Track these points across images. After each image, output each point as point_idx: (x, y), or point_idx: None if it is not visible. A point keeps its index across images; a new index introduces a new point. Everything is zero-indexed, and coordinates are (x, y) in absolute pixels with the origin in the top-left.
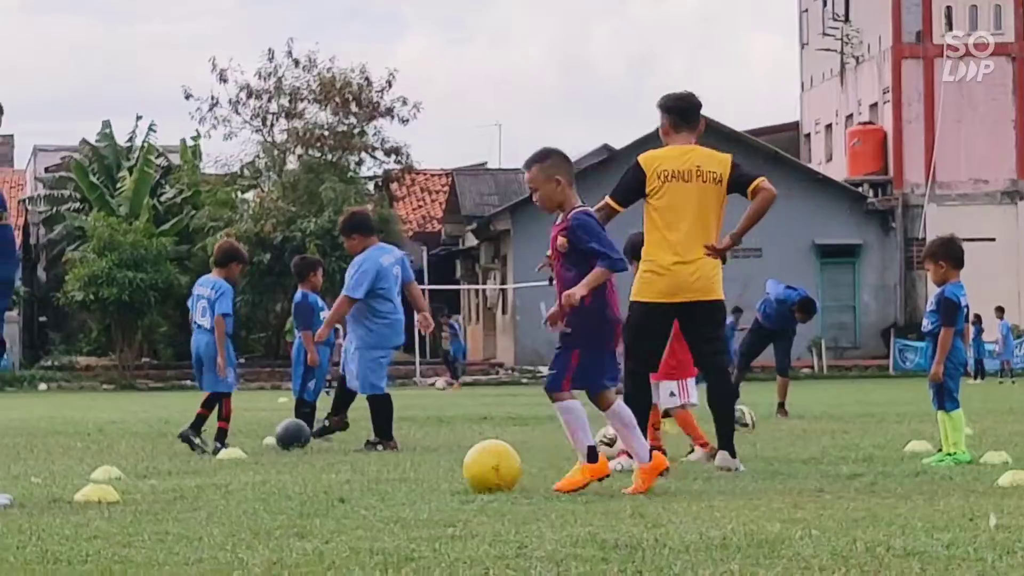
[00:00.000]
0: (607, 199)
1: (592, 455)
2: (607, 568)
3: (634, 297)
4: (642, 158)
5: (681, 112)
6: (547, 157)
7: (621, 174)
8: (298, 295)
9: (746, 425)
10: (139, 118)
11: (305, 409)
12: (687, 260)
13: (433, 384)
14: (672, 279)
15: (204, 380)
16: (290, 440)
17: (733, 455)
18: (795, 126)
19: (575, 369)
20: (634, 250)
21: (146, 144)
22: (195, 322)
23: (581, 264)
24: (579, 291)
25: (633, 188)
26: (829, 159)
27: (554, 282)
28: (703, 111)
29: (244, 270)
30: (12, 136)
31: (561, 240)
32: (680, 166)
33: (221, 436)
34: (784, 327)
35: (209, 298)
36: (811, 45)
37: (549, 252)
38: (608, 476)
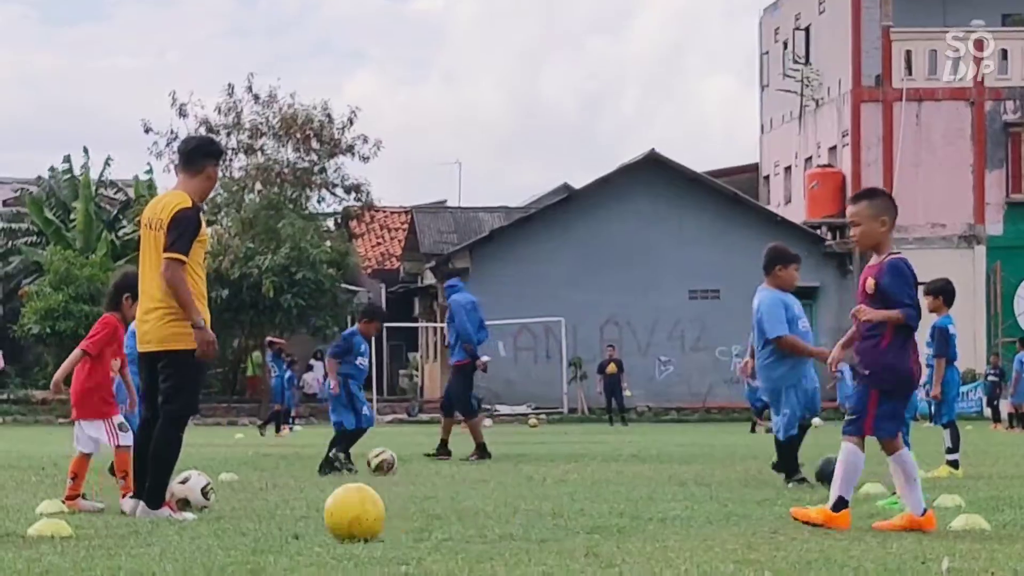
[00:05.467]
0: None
1: (839, 504)
2: None
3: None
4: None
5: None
6: (876, 196)
7: (582, 213)
8: None
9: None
10: (86, 152)
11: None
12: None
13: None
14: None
15: None
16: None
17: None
18: (754, 168)
19: (875, 416)
20: None
21: (100, 178)
22: None
23: (883, 308)
24: (872, 314)
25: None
26: (788, 201)
27: None
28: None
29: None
30: None
31: (870, 282)
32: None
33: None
34: None
35: None
36: (771, 87)
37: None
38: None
